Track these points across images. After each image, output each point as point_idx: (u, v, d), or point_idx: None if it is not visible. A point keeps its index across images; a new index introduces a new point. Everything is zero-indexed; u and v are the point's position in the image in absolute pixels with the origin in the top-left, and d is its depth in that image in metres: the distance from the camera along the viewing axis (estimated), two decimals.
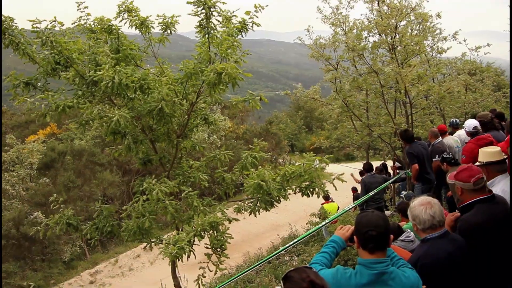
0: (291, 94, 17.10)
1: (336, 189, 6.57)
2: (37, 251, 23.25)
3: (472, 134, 8.98)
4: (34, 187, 26.09)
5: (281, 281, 2.68)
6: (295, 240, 8.62)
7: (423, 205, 3.78)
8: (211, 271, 6.40)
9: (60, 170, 27.65)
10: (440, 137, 10.19)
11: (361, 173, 13.94)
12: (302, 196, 6.81)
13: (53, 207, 7.37)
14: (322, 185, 6.65)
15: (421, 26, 13.25)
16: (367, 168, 11.56)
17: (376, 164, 18.92)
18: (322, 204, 15.35)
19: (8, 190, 25.10)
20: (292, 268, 2.78)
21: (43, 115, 6.66)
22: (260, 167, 6.92)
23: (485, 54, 16.84)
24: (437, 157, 9.43)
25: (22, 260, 22.39)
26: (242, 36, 7.48)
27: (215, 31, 7.09)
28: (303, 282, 2.56)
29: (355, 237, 3.28)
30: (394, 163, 15.58)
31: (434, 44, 14.59)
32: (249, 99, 7.15)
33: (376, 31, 12.29)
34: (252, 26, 7.55)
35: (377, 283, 3.10)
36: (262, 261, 9.11)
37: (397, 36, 12.02)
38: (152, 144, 7.65)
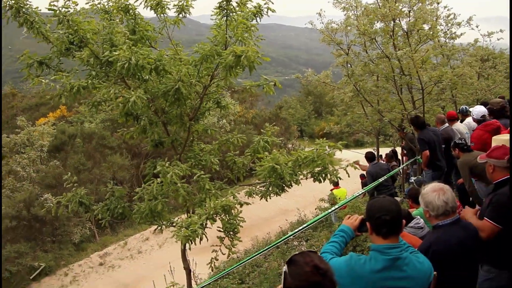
0: (302, 78, 17.01)
1: (349, 176, 6.56)
2: (47, 232, 23.49)
3: (479, 121, 8.92)
4: (45, 169, 26.28)
5: (286, 265, 2.69)
6: (304, 225, 8.65)
7: (435, 191, 3.76)
8: (224, 254, 6.44)
9: (70, 152, 27.85)
10: (447, 124, 10.13)
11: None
12: (314, 182, 6.80)
13: (66, 185, 7.41)
14: (334, 171, 6.64)
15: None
16: (370, 157, 11.46)
17: (386, 150, 18.92)
18: (331, 190, 15.34)
19: (19, 171, 25.32)
20: (297, 252, 2.79)
21: (58, 95, 6.66)
22: (274, 150, 6.93)
23: (498, 40, 16.62)
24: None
25: (33, 241, 22.62)
26: (256, 21, 7.42)
27: (234, 14, 7.02)
28: (306, 266, 2.54)
29: (367, 223, 3.27)
30: (402, 150, 15.53)
31: (448, 30, 14.42)
32: (263, 84, 7.13)
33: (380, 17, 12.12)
34: (267, 12, 7.49)
35: (391, 269, 3.09)
36: (270, 245, 9.16)
37: (406, 20, 11.89)
38: (165, 126, 7.65)
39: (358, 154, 19.27)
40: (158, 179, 6.23)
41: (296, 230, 9.06)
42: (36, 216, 22.25)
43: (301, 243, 12.53)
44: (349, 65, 14.47)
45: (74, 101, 7.05)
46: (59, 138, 28.62)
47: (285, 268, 2.67)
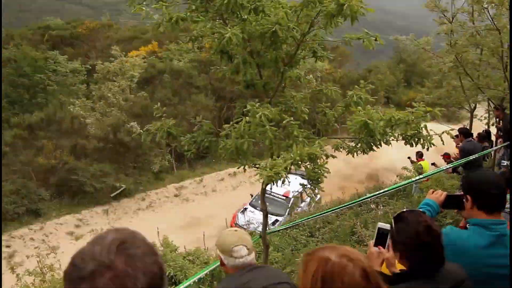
0: (401, 41, 16.34)
1: (443, 144, 6.29)
2: (130, 158, 24.86)
3: None
4: (133, 98, 27.45)
5: (393, 220, 2.58)
6: (383, 190, 8.46)
7: None
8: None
9: (158, 86, 28.87)
10: None
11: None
12: (406, 145, 6.57)
13: (155, 115, 7.64)
14: (429, 137, 6.35)
15: None
16: (465, 132, 10.83)
17: (479, 129, 17.93)
18: (418, 161, 14.93)
19: (109, 97, 26.53)
20: (405, 210, 2.67)
21: (157, 24, 6.76)
22: (368, 106, 6.71)
23: None
24: None
25: (116, 164, 24.04)
26: None
27: None
28: (419, 225, 2.42)
29: (468, 196, 3.04)
30: (497, 132, 14.67)
31: None
32: (364, 37, 6.83)
33: None
34: None
35: (496, 245, 2.86)
36: (344, 205, 9.05)
37: None
38: (258, 69, 7.59)
39: (447, 128, 18.44)
40: (247, 117, 6.23)
41: (372, 194, 8.91)
42: (122, 141, 23.56)
43: (379, 207, 12.29)
44: (453, 34, 13.68)
45: (172, 31, 7.11)
46: (149, 72, 29.67)
47: (390, 225, 2.57)
